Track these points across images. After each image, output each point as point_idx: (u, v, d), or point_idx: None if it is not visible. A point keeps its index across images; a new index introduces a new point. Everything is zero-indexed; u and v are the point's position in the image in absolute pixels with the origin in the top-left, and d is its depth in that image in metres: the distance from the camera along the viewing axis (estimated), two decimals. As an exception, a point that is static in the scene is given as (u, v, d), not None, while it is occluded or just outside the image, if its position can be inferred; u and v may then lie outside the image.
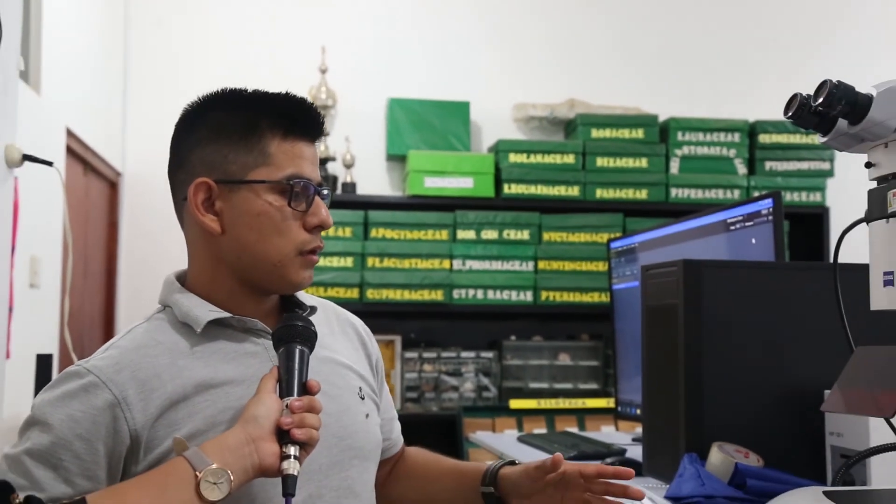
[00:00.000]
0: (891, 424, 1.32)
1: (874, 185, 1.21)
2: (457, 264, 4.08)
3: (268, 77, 4.34)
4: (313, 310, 1.31)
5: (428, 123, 4.26)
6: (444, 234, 4.10)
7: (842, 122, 1.16)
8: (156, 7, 4.37)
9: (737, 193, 4.26)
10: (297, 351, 1.13)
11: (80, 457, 1.09)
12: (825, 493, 1.26)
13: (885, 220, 1.16)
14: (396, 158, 4.35)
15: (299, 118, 1.23)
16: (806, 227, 4.30)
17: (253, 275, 1.22)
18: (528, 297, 4.13)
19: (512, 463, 1.41)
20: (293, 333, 1.15)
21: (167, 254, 4.28)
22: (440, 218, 4.09)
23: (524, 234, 4.15)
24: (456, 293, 4.07)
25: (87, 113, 3.75)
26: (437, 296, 4.03)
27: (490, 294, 4.10)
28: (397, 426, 1.50)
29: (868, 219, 1.20)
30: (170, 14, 4.38)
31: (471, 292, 4.08)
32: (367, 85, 4.37)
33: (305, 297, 1.35)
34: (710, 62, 4.70)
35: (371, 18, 4.50)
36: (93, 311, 3.96)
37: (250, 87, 1.27)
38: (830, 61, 4.58)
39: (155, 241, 4.26)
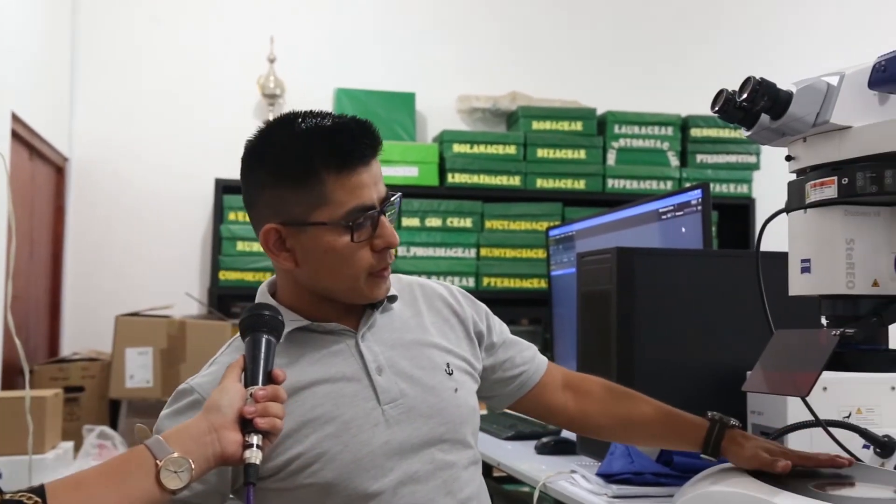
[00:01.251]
0: (806, 403, 1.36)
1: (794, 177, 1.25)
2: (401, 251, 4.06)
3: (217, 66, 4.28)
4: (392, 299, 1.34)
5: (374, 113, 4.24)
6: (388, 222, 4.09)
7: (764, 117, 1.19)
8: (103, -7, 4.27)
9: (669, 184, 4.32)
10: (264, 340, 1.13)
11: None
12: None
13: (802, 210, 1.19)
14: (343, 147, 4.32)
15: (351, 149, 1.22)
16: (734, 217, 4.38)
17: (331, 295, 1.28)
18: (470, 282, 4.15)
19: (728, 426, 1.34)
20: (259, 323, 1.15)
21: (114, 238, 4.22)
22: (385, 205, 4.08)
23: (467, 222, 4.16)
24: (400, 279, 4.06)
25: (33, 98, 3.66)
26: (382, 281, 4.02)
27: (433, 280, 4.10)
28: (528, 354, 1.48)
29: (788, 209, 1.24)
30: (118, 1, 4.28)
31: (415, 278, 4.08)
32: (315, 75, 4.33)
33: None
34: (646, 59, 4.75)
35: (319, 10, 4.46)
36: (38, 295, 3.87)
37: (303, 115, 1.25)
38: (757, 60, 4.67)
39: (102, 226, 4.19)
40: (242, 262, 3.92)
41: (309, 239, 1.23)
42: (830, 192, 1.14)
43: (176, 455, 1.00)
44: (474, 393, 1.38)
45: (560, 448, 1.97)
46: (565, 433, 2.12)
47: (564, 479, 1.67)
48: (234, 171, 1.34)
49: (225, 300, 3.98)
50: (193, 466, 1.01)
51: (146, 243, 4.19)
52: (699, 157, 4.41)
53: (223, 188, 4.02)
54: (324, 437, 1.20)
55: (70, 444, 2.96)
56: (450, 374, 1.32)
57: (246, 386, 1.08)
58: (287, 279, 1.30)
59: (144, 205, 4.19)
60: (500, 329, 1.47)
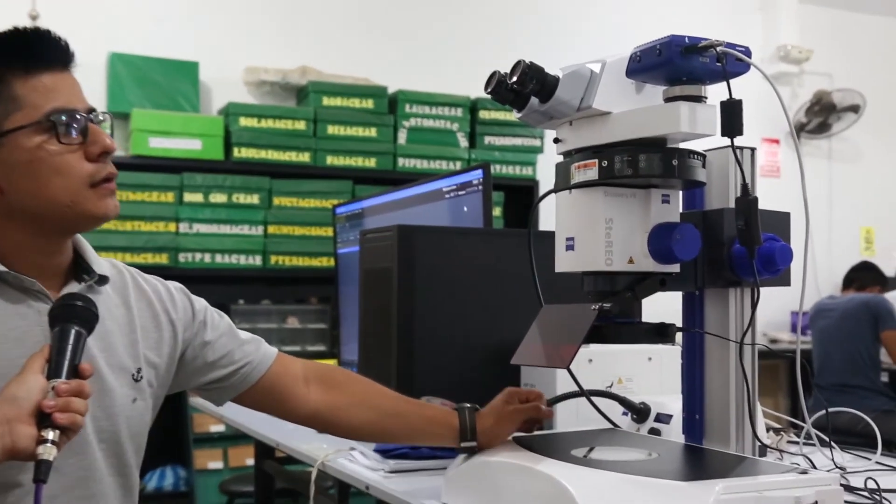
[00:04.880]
0: (571, 374, 1.45)
1: (562, 159, 1.32)
2: (183, 227, 3.96)
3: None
4: (104, 279, 1.23)
5: (153, 81, 4.06)
6: (169, 197, 3.96)
7: (534, 100, 1.25)
8: None
9: (459, 165, 4.44)
10: (73, 332, 1.05)
11: None
12: (514, 438, 1.37)
13: (568, 190, 1.27)
14: (119, 116, 4.10)
15: (35, 50, 1.14)
16: (519, 198, 4.57)
17: (49, 222, 1.15)
18: (257, 261, 4.08)
19: (475, 410, 1.38)
20: (71, 313, 1.07)
21: None
22: (166, 180, 3.95)
23: (254, 199, 4.10)
24: (182, 257, 3.94)
25: None
26: (162, 259, 3.88)
27: (218, 258, 4.01)
28: (250, 348, 1.38)
29: (555, 189, 1.31)
30: None
31: (198, 256, 3.97)
32: (84, 36, 4.04)
33: (102, 263, 1.25)
34: (438, 39, 4.84)
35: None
36: None
37: None
38: (540, 46, 4.88)
39: None
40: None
41: (9, 153, 1.12)
42: (592, 173, 1.22)
43: None
44: (151, 409, 1.29)
45: (342, 426, 1.98)
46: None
47: (343, 456, 1.68)
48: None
49: None
50: None
51: None
52: (487, 139, 4.56)
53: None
54: None
55: None
56: (137, 380, 1.24)
57: (49, 378, 1.02)
58: None
59: None
60: (219, 325, 1.37)
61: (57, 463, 1.02)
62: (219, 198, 4.03)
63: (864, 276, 4.75)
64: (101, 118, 1.18)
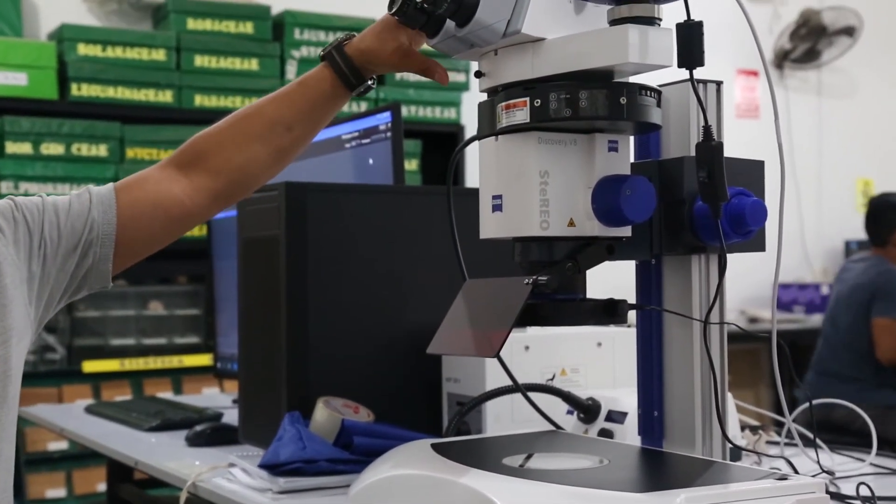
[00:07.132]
0: (504, 366, 1.48)
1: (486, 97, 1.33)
2: (7, 187, 3.90)
3: None
4: None
5: (-43, -5, 3.98)
6: (-13, 148, 3.91)
7: (451, 23, 1.26)
8: None
9: (364, 106, 4.42)
10: None
11: None
12: (433, 445, 1.39)
13: (493, 137, 1.28)
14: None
15: None
16: (440, 147, 4.58)
17: None
18: (107, 230, 4.03)
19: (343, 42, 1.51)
20: None
21: None
22: (-20, 125, 3.90)
23: (101, 150, 4.07)
24: (7, 226, 3.87)
25: None
26: (-19, 230, 3.81)
27: None
28: (79, 205, 1.43)
29: (478, 136, 1.32)
30: None
31: (28, 225, 3.90)
32: None
33: None
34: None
35: None
36: None
37: None
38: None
39: None
40: None
41: None
42: (522, 115, 1.23)
43: None
44: (21, 359, 1.39)
45: (218, 437, 1.98)
46: (228, 417, 2.14)
47: (220, 474, 1.69)
48: None
49: None
50: None
51: None
52: (399, 74, 4.55)
53: None
54: None
55: None
56: None
57: None
58: None
59: None
60: (36, 213, 1.41)
61: None
62: (53, 149, 3.98)
63: (890, 218, 4.43)
64: None
